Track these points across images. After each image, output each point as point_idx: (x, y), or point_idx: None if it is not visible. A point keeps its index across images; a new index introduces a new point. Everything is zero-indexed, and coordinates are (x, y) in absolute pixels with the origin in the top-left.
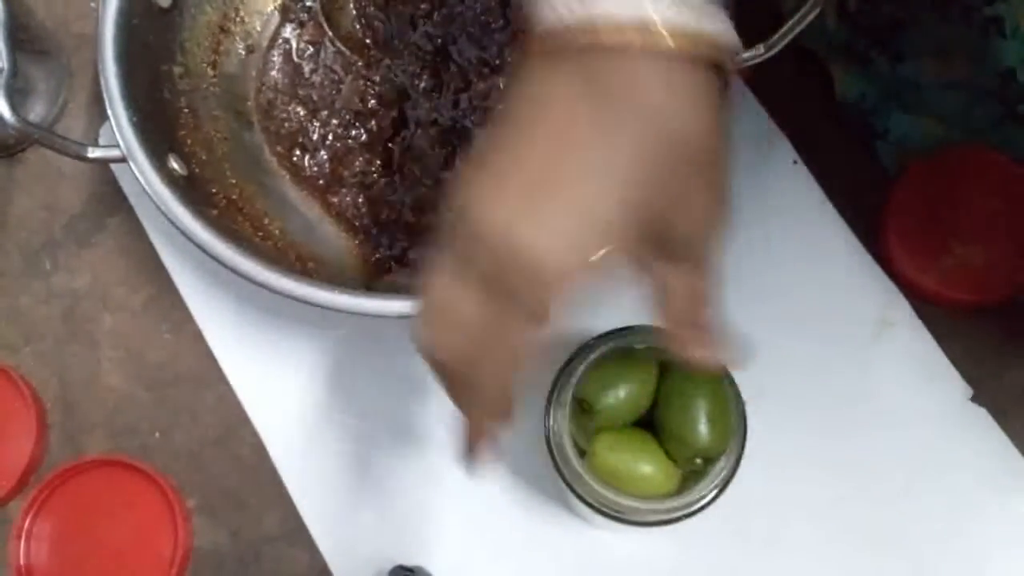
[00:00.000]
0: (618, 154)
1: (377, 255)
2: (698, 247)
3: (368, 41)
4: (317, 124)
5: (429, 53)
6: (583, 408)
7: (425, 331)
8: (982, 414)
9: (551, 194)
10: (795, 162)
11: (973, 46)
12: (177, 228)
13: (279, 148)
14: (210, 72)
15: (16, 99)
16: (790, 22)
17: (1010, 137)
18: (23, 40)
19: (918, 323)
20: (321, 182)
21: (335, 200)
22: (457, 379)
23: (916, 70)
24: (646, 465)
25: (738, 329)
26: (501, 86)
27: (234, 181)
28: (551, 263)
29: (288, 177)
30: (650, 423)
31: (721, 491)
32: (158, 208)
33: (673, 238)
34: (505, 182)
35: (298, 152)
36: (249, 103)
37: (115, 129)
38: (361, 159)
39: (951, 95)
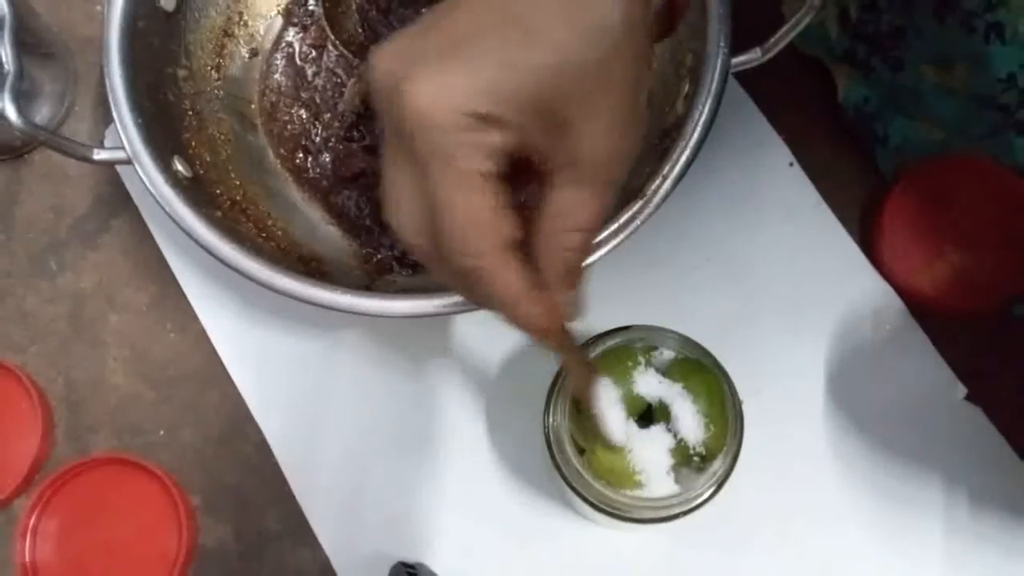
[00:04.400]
0: (539, 37)
1: (379, 255)
2: (598, 168)
3: (370, 44)
4: (320, 126)
5: None
6: (581, 407)
7: (390, 215)
8: (976, 412)
9: (455, 53)
10: (791, 164)
11: (973, 53)
12: (181, 229)
13: (282, 150)
14: (214, 75)
15: (22, 101)
16: (786, 27)
17: (1007, 146)
18: (29, 43)
19: (912, 323)
20: (323, 183)
21: (337, 201)
22: (436, 264)
23: (916, 77)
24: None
25: (734, 327)
26: None
27: (238, 183)
28: (434, 110)
29: (291, 179)
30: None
31: (718, 489)
32: (163, 209)
33: (570, 144)
34: (417, 41)
35: (301, 154)
36: (253, 106)
37: (120, 131)
38: (363, 161)
39: (950, 102)
